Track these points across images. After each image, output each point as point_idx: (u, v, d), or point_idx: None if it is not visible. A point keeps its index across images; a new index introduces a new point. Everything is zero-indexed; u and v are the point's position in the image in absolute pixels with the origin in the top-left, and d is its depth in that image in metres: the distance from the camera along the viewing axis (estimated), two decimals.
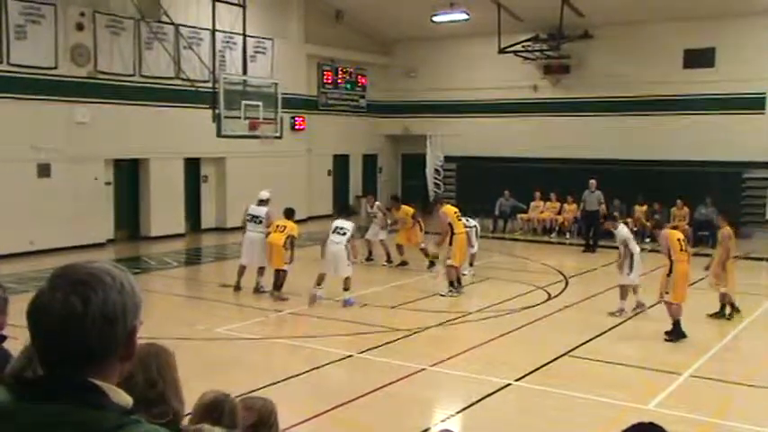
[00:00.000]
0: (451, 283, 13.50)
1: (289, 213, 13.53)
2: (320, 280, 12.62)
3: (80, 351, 1.50)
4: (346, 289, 12.64)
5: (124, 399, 1.55)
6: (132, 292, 1.57)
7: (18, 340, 2.43)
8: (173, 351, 2.67)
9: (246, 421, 3.52)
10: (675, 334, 10.41)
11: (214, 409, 3.32)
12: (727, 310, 11.81)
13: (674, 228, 12.61)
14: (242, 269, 13.57)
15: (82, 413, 1.46)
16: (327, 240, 12.69)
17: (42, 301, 1.52)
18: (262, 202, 13.62)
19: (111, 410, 1.49)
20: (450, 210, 13.91)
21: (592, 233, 19.29)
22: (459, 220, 13.92)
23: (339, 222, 12.97)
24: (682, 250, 10.64)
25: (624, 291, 12.02)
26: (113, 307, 1.52)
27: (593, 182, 19.76)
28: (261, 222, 13.36)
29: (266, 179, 22.28)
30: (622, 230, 12.20)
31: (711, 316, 11.75)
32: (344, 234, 12.62)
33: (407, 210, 16.52)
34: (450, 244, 13.44)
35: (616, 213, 15.18)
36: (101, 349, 1.52)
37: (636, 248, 12.08)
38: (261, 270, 13.38)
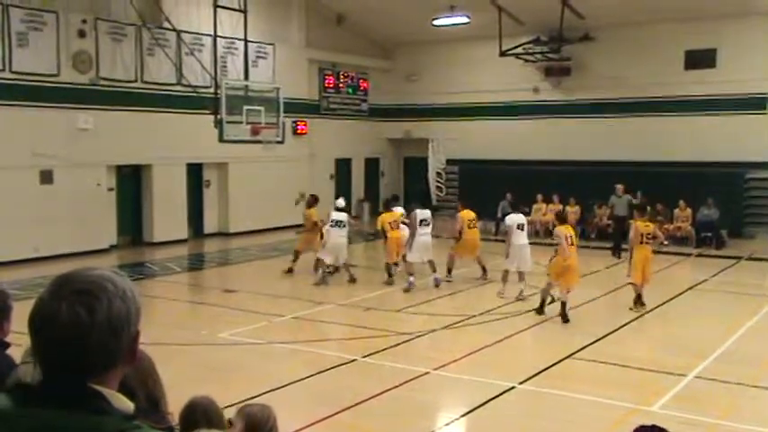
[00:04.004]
0: (449, 271, 14.78)
1: (390, 203, 15.39)
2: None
3: (85, 360, 1.50)
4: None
5: (125, 404, 1.55)
6: (133, 298, 1.57)
7: (22, 347, 2.43)
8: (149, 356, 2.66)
9: (236, 427, 3.54)
10: (636, 303, 12.35)
11: (191, 412, 3.34)
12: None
13: (650, 220, 13.27)
14: (320, 263, 14.57)
15: (83, 419, 1.46)
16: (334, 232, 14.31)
17: (47, 312, 1.50)
18: (340, 210, 14.65)
19: (113, 416, 1.49)
20: (465, 216, 14.74)
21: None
22: (471, 227, 14.83)
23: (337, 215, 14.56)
24: (642, 243, 12.33)
25: (504, 275, 13.41)
26: (118, 315, 1.52)
27: (620, 186, 19.04)
28: (345, 227, 14.38)
29: (268, 184, 22.39)
30: (507, 220, 13.72)
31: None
32: (345, 227, 14.29)
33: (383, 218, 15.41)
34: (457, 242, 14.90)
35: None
36: (105, 358, 1.52)
37: (517, 240, 13.30)
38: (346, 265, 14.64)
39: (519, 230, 13.44)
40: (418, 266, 14.24)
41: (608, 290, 13.33)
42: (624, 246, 14.81)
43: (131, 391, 2.58)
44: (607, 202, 20.36)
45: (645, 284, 12.49)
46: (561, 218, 12.71)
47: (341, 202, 15.07)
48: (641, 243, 12.42)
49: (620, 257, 17.34)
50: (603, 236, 20.35)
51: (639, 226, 12.57)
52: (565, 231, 11.93)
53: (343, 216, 14.52)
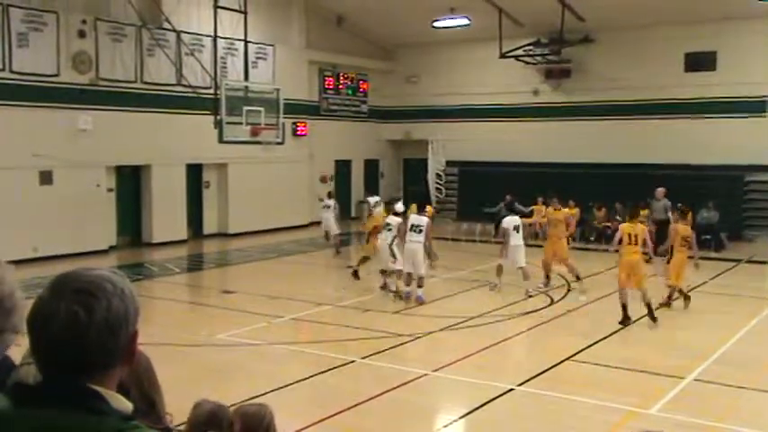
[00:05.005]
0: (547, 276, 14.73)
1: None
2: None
3: (84, 359, 1.50)
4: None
5: (124, 404, 1.55)
6: (132, 298, 1.57)
7: (21, 346, 2.43)
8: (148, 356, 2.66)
9: (234, 427, 3.54)
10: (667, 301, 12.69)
11: (213, 419, 3.34)
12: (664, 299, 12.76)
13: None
14: (404, 276, 13.30)
15: (81, 419, 1.46)
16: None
17: (45, 311, 1.50)
18: (396, 215, 13.77)
19: (111, 416, 1.49)
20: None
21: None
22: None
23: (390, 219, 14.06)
24: (682, 246, 12.49)
25: (498, 269, 14.05)
26: (116, 314, 1.52)
27: (660, 190, 18.86)
28: (421, 231, 13.10)
29: (268, 185, 22.40)
30: (504, 222, 14.19)
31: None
32: (390, 230, 13.62)
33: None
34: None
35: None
36: (104, 357, 1.52)
37: (512, 241, 13.81)
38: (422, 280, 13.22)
39: (515, 232, 13.99)
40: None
41: (607, 292, 13.31)
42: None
43: (126, 390, 2.57)
44: (606, 205, 20.39)
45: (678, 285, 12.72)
46: (632, 214, 12.23)
47: (400, 206, 14.18)
48: (681, 246, 12.49)
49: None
50: (602, 238, 20.33)
51: (680, 229, 12.66)
52: (628, 229, 11.74)
53: (392, 220, 13.70)
